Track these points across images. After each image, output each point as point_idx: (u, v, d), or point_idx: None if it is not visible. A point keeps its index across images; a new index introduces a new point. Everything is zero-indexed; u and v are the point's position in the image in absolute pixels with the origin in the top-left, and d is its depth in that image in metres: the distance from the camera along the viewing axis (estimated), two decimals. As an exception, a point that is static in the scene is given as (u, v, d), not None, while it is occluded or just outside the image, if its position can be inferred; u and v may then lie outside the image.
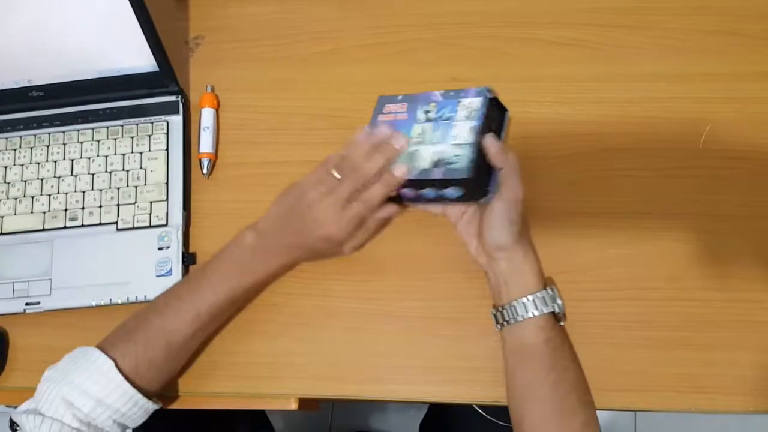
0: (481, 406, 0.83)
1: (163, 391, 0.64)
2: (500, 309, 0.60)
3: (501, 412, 0.83)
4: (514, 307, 0.59)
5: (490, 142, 0.57)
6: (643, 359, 0.63)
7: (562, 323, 0.61)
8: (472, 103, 0.60)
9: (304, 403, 0.68)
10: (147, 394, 0.59)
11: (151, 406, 0.61)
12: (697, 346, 0.63)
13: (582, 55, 0.73)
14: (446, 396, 0.64)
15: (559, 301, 0.59)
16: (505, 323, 0.60)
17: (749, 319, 0.63)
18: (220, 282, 0.62)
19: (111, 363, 0.57)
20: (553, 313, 0.59)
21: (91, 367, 0.57)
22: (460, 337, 0.65)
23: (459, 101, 0.61)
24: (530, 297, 0.58)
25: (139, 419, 0.61)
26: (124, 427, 0.60)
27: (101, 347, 0.59)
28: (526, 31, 0.75)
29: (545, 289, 0.59)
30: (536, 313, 0.58)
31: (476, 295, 0.66)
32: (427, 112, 0.63)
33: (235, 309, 0.66)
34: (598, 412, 0.59)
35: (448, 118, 0.60)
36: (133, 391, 0.58)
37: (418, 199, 0.63)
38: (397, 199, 0.64)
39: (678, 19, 0.74)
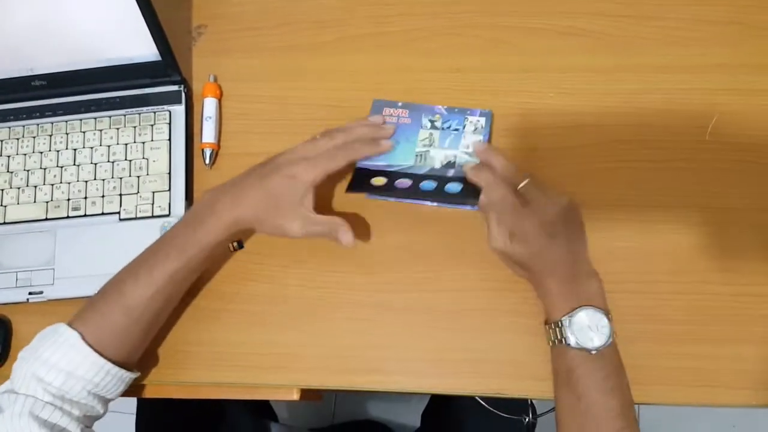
0: (483, 398, 0.83)
1: (133, 360, 0.63)
2: (544, 324, 0.61)
3: (502, 403, 0.84)
4: (549, 330, 0.59)
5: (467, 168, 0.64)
6: (647, 352, 0.63)
7: (592, 352, 0.56)
8: (479, 121, 0.69)
9: (305, 393, 0.69)
10: (118, 364, 0.59)
11: (125, 374, 0.60)
12: (701, 340, 0.63)
13: (588, 46, 0.73)
14: (448, 388, 0.64)
15: (574, 331, 0.56)
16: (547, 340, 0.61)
17: (753, 312, 0.63)
18: (171, 241, 0.62)
19: (77, 335, 0.58)
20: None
21: (59, 340, 0.58)
22: (462, 329, 0.65)
23: (466, 117, 0.70)
24: (549, 325, 0.59)
25: (116, 389, 0.61)
26: (103, 399, 0.60)
27: (69, 322, 0.59)
28: (531, 21, 0.74)
29: (560, 319, 0.57)
30: (557, 343, 0.58)
31: (479, 287, 0.66)
32: (432, 120, 0.70)
33: (191, 271, 0.63)
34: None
35: (456, 129, 0.69)
36: (102, 361, 0.58)
37: (412, 193, 0.66)
38: (386, 190, 0.66)
39: (684, 9, 0.73)
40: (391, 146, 0.68)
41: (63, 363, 0.57)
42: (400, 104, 0.70)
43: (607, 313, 0.57)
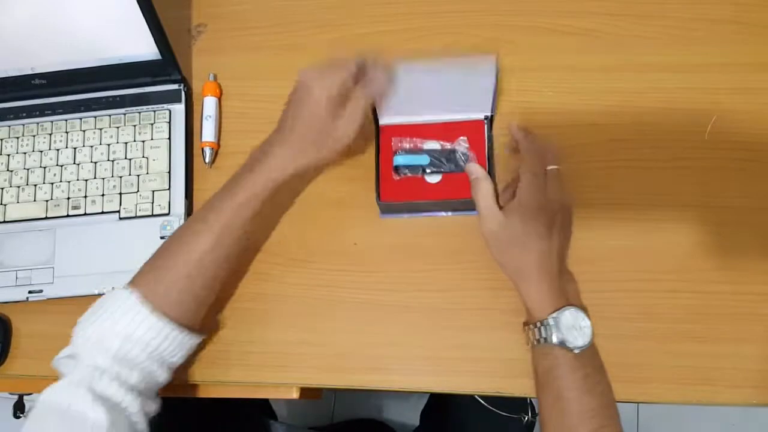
0: (482, 396, 0.83)
1: (193, 323, 0.61)
2: (523, 325, 0.62)
3: (501, 402, 0.84)
4: (527, 331, 0.60)
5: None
6: (646, 351, 0.63)
7: (575, 351, 0.57)
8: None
9: (305, 392, 0.69)
10: (178, 325, 0.58)
11: (185, 337, 0.59)
12: (701, 339, 0.63)
13: (587, 45, 0.73)
14: (447, 386, 0.65)
15: (560, 330, 0.57)
16: (526, 341, 0.61)
17: (753, 311, 0.63)
18: (228, 188, 0.62)
19: (135, 296, 0.57)
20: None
21: (116, 302, 0.57)
22: (461, 327, 0.65)
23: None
24: (534, 324, 0.59)
25: (177, 353, 0.60)
26: (164, 364, 0.59)
27: (128, 283, 0.59)
28: (531, 19, 0.74)
29: (546, 318, 0.57)
30: (542, 342, 0.58)
31: (477, 286, 0.66)
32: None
33: (251, 216, 0.62)
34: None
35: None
36: (161, 323, 0.57)
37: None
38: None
39: (684, 8, 0.73)
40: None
41: (121, 325, 0.56)
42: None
43: (587, 313, 0.58)
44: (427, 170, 0.66)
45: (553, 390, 0.57)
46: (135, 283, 0.59)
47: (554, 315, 0.57)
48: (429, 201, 0.67)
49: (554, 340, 0.57)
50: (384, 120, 0.68)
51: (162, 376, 0.59)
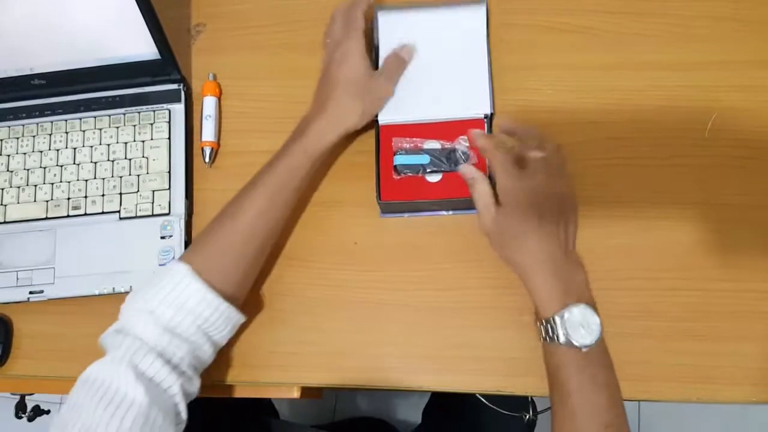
0: (483, 395, 0.83)
1: (240, 296, 0.63)
2: (534, 319, 0.61)
3: (503, 400, 0.84)
4: (537, 327, 0.60)
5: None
6: (646, 349, 0.63)
7: (583, 350, 0.56)
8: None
9: (306, 391, 0.69)
10: (226, 297, 0.59)
11: (232, 313, 0.60)
12: (701, 337, 0.63)
13: (586, 43, 0.72)
14: (449, 385, 0.65)
15: (566, 328, 0.56)
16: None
17: (753, 309, 0.63)
18: (276, 156, 0.64)
19: (187, 267, 0.58)
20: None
21: (168, 274, 0.58)
22: (463, 326, 0.65)
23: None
24: (540, 322, 0.58)
25: (224, 329, 0.60)
26: (211, 340, 0.60)
27: (181, 257, 0.61)
28: (529, 18, 0.74)
29: (552, 317, 0.57)
30: (547, 340, 0.58)
31: (478, 285, 0.66)
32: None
33: (297, 184, 0.64)
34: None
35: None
36: (212, 295, 0.58)
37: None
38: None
39: (684, 6, 0.73)
40: None
41: (173, 296, 0.57)
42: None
43: (596, 309, 0.57)
44: (428, 170, 0.66)
45: (562, 389, 0.57)
46: (187, 257, 0.60)
47: (560, 313, 0.56)
48: (429, 200, 0.67)
49: (561, 339, 0.56)
50: (384, 119, 0.68)
51: (207, 353, 0.60)
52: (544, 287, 0.58)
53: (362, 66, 0.66)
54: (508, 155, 0.61)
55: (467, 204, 0.65)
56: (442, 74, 0.70)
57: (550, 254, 0.59)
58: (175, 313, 0.56)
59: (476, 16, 0.71)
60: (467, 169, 0.64)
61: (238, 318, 0.62)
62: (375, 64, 0.71)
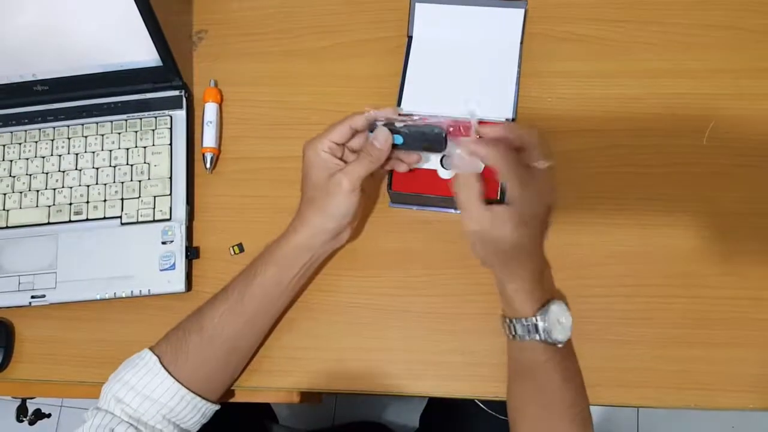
0: (481, 399, 0.83)
1: (211, 390, 0.63)
2: (503, 318, 0.61)
3: (501, 406, 0.84)
4: (508, 325, 0.59)
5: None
6: (644, 356, 0.63)
7: (559, 345, 0.58)
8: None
9: (305, 396, 0.69)
10: (195, 392, 0.60)
11: (200, 403, 0.61)
12: (699, 344, 0.63)
13: (586, 51, 0.73)
14: (446, 391, 0.65)
15: (547, 326, 0.57)
16: (506, 333, 0.60)
17: (750, 316, 0.64)
18: (253, 265, 0.63)
19: (156, 358, 0.59)
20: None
21: (140, 363, 0.59)
22: (460, 332, 0.66)
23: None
24: (519, 322, 0.58)
25: (191, 418, 0.61)
26: (179, 428, 0.61)
27: (153, 346, 0.61)
28: (530, 27, 0.74)
29: (534, 316, 0.57)
30: (526, 338, 0.58)
31: (477, 291, 0.66)
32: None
33: (273, 298, 0.63)
34: (600, 407, 0.59)
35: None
36: (177, 386, 0.59)
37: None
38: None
39: (683, 14, 0.73)
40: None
41: (140, 385, 0.58)
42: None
43: (567, 304, 0.60)
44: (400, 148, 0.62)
45: (535, 382, 0.58)
46: (159, 346, 0.61)
47: (542, 311, 0.57)
48: (439, 196, 0.66)
49: (541, 336, 0.57)
50: (404, 106, 0.68)
51: None
52: (524, 288, 0.58)
53: (316, 176, 0.61)
54: (520, 161, 0.58)
55: None
56: (470, 72, 0.70)
57: (535, 255, 0.60)
58: (141, 402, 0.58)
59: (513, 18, 0.71)
60: (460, 158, 0.58)
61: (208, 407, 0.62)
62: (407, 53, 0.71)
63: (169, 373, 0.59)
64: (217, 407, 0.63)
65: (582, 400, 0.59)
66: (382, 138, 0.60)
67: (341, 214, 0.61)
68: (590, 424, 0.59)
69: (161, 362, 0.59)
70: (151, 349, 0.61)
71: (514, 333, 0.59)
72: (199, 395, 0.60)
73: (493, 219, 0.56)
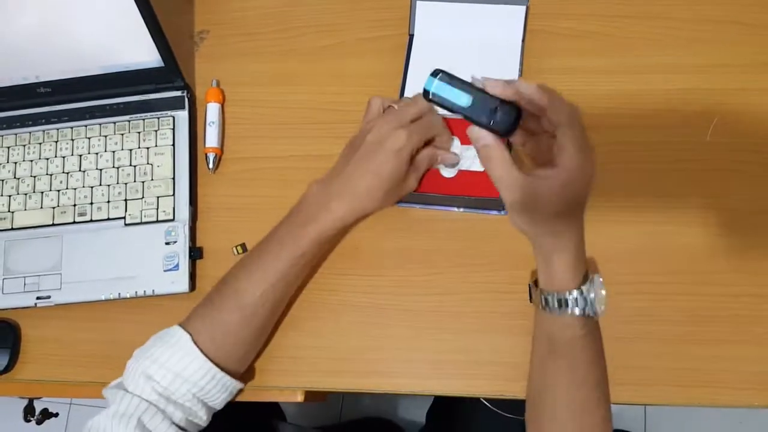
0: (486, 398, 0.83)
1: (241, 367, 0.64)
2: (540, 292, 0.57)
3: (506, 403, 0.84)
4: (547, 298, 0.56)
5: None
6: (647, 353, 0.63)
7: (596, 318, 0.56)
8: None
9: (310, 394, 0.69)
10: (225, 370, 0.60)
11: (229, 381, 0.61)
12: (703, 341, 0.63)
13: (587, 47, 0.73)
14: (450, 390, 0.65)
15: (593, 298, 0.55)
16: (542, 308, 0.57)
17: (754, 313, 0.63)
18: (282, 238, 0.63)
19: (188, 336, 0.59)
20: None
21: (170, 340, 0.59)
22: (464, 331, 0.66)
23: None
24: (562, 294, 0.55)
25: (220, 397, 0.61)
26: (207, 406, 0.61)
27: (183, 323, 0.61)
28: (530, 22, 0.74)
29: (580, 288, 0.55)
30: (568, 312, 0.55)
31: (480, 290, 0.66)
32: None
33: (302, 267, 0.64)
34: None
35: None
36: (209, 365, 0.59)
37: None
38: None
39: (686, 9, 0.73)
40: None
41: (172, 363, 0.58)
42: None
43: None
44: (460, 114, 0.53)
45: (570, 359, 0.56)
46: (190, 323, 0.61)
47: (585, 286, 0.55)
48: (442, 195, 0.66)
49: (586, 309, 0.55)
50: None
51: (201, 419, 0.61)
52: (572, 259, 0.55)
53: (405, 166, 0.63)
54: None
55: (480, 203, 0.66)
56: (472, 70, 0.69)
57: (582, 230, 0.57)
58: (172, 380, 0.58)
59: (515, 15, 0.71)
60: (478, 132, 0.53)
61: (235, 385, 0.62)
62: (408, 51, 0.72)
63: (202, 351, 0.59)
64: (242, 386, 0.64)
65: (605, 382, 0.57)
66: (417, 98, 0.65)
67: (393, 178, 0.63)
68: (609, 402, 0.58)
69: (194, 340, 0.59)
70: (182, 325, 0.60)
71: (553, 305, 0.56)
72: (230, 373, 0.61)
73: (538, 184, 0.52)
